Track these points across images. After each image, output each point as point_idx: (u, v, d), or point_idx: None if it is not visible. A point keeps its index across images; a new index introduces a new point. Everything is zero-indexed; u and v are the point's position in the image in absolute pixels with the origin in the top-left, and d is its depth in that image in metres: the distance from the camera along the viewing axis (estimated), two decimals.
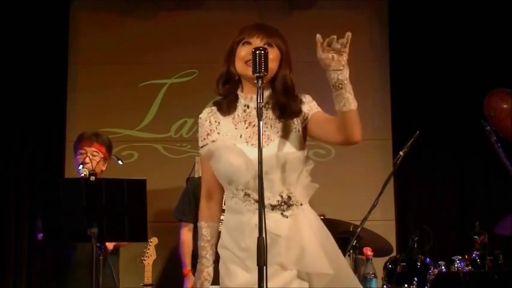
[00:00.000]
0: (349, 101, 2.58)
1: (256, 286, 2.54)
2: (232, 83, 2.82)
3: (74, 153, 4.73)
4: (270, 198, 2.69)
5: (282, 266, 2.66)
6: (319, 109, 2.83)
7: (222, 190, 2.85)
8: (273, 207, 2.70)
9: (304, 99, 2.84)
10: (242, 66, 2.78)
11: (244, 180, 2.71)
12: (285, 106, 2.80)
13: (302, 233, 2.72)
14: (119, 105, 6.00)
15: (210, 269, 2.84)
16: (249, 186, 2.71)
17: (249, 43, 2.79)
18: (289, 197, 2.74)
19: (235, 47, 2.82)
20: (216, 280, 2.89)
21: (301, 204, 2.76)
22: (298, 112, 2.81)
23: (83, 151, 4.53)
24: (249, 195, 2.72)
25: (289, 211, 2.73)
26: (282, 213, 2.72)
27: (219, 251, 2.82)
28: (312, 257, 2.70)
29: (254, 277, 2.59)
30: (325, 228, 2.82)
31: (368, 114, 6.04)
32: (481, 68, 5.88)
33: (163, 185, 5.62)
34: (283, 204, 2.73)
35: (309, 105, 2.83)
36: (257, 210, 2.61)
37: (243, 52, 2.78)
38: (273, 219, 2.67)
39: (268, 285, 2.49)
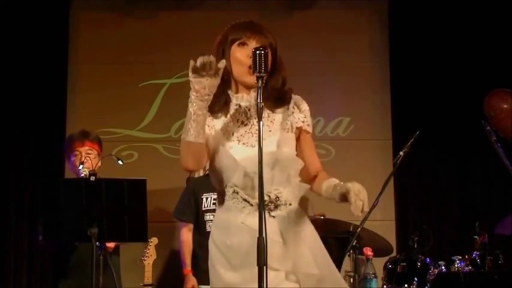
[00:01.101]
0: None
1: (241, 285, 2.60)
2: (222, 82, 2.73)
3: (65, 156, 4.73)
4: (258, 198, 2.67)
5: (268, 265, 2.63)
6: (310, 131, 2.86)
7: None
8: None
9: (302, 105, 2.85)
10: (243, 71, 2.77)
11: (233, 180, 2.71)
12: (276, 99, 2.81)
13: (287, 234, 2.72)
14: (119, 105, 6.01)
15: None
16: (238, 184, 2.71)
17: (245, 44, 2.78)
18: (277, 197, 2.74)
19: (229, 45, 2.80)
20: (207, 280, 2.90)
21: (290, 204, 2.76)
22: (288, 100, 2.82)
23: (77, 152, 4.54)
24: (237, 193, 2.72)
25: (277, 211, 2.73)
26: (269, 213, 2.71)
27: (209, 246, 2.81)
28: (297, 257, 2.71)
29: (238, 276, 2.62)
30: (313, 229, 2.82)
31: (368, 115, 6.06)
32: (481, 68, 5.89)
33: (163, 185, 5.61)
34: (270, 204, 2.72)
35: (306, 118, 2.85)
36: (244, 209, 2.67)
37: (242, 55, 2.76)
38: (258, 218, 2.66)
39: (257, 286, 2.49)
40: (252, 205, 2.69)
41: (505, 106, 5.21)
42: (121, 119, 6.00)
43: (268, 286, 2.51)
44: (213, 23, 5.91)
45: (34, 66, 5.91)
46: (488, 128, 4.56)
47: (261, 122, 2.58)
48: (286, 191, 2.75)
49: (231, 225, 2.72)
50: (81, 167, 4.34)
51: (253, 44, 2.77)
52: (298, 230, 2.76)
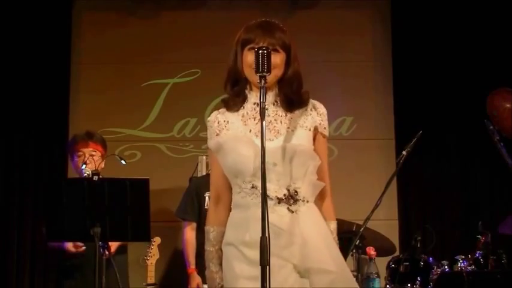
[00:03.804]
0: None
1: (258, 280, 2.55)
2: (241, 83, 2.83)
3: (69, 156, 4.74)
4: (277, 191, 2.70)
5: (284, 260, 2.65)
6: (326, 135, 2.88)
7: (230, 192, 2.84)
8: (280, 201, 2.70)
9: (320, 109, 2.87)
10: (251, 73, 2.77)
11: (251, 170, 2.70)
12: (292, 99, 2.83)
13: (306, 229, 2.72)
14: (122, 105, 6.01)
15: (220, 274, 2.84)
16: (256, 176, 2.69)
17: (255, 49, 2.76)
18: (296, 192, 2.74)
19: (241, 49, 2.81)
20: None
21: (307, 202, 2.77)
22: (306, 101, 2.84)
23: (80, 153, 4.54)
24: (256, 187, 2.71)
25: (295, 206, 2.73)
26: (288, 208, 2.72)
27: (223, 248, 2.81)
28: (315, 253, 2.71)
29: (256, 270, 2.59)
30: (328, 229, 2.82)
31: (371, 114, 6.06)
32: (484, 67, 5.88)
33: (166, 184, 5.62)
34: (289, 198, 2.73)
35: (323, 121, 2.87)
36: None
37: (251, 59, 2.75)
38: (278, 213, 2.68)
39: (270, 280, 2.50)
40: (271, 199, 2.68)
41: (508, 105, 5.21)
42: (124, 118, 6.01)
43: (286, 283, 2.55)
44: (215, 22, 5.93)
45: (37, 66, 5.91)
46: (491, 127, 4.56)
47: (267, 120, 2.61)
48: (304, 187, 2.76)
49: (249, 221, 2.70)
50: (84, 166, 4.35)
51: None
52: (316, 227, 2.77)
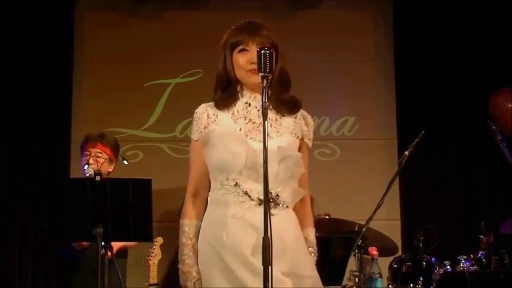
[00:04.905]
0: None
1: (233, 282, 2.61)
2: (232, 86, 2.83)
3: (80, 154, 4.75)
4: (259, 193, 2.68)
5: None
6: (309, 147, 2.89)
7: (208, 189, 2.85)
8: (261, 202, 2.67)
9: (309, 119, 2.89)
10: (244, 74, 2.79)
11: (239, 168, 2.70)
12: (285, 103, 2.83)
13: (286, 233, 2.72)
14: (124, 105, 6.01)
15: (196, 267, 2.79)
16: (242, 175, 2.70)
17: (245, 50, 2.79)
18: (277, 195, 2.74)
19: (231, 52, 2.82)
20: None
21: (286, 207, 2.77)
22: (298, 108, 2.86)
23: (87, 152, 4.55)
24: (239, 185, 2.71)
25: (275, 210, 2.72)
26: (268, 210, 2.70)
27: (200, 245, 2.79)
28: (296, 258, 2.72)
29: (231, 273, 2.61)
30: (303, 237, 2.84)
31: (373, 114, 6.06)
32: (486, 67, 5.88)
33: (168, 184, 5.61)
34: (271, 200, 2.71)
35: (309, 132, 2.88)
36: (244, 203, 2.67)
37: (243, 61, 2.79)
38: (259, 214, 2.61)
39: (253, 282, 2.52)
40: (252, 200, 2.68)
41: (510, 105, 5.20)
42: (126, 118, 6.01)
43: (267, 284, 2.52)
44: (217, 23, 5.88)
45: (39, 66, 5.92)
46: (494, 127, 4.56)
47: (266, 122, 2.59)
48: (286, 191, 2.76)
49: (227, 219, 2.70)
50: (86, 166, 4.35)
51: (253, 48, 2.78)
52: (294, 233, 2.78)
